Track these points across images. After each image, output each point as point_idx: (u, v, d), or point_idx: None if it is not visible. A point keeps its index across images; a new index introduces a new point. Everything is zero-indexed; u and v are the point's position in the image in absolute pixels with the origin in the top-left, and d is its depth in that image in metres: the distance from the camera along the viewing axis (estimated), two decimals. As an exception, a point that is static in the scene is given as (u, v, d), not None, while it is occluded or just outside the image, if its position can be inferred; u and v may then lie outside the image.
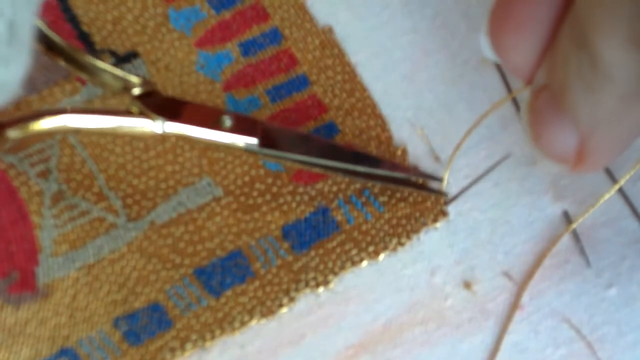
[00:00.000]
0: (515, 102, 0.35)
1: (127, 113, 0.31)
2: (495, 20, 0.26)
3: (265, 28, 0.37)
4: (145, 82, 0.32)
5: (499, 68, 0.36)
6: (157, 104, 0.31)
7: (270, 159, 0.33)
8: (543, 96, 0.25)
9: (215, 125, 0.31)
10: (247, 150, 0.32)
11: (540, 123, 0.26)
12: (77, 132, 0.31)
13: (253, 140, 0.32)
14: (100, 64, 0.32)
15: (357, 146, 0.35)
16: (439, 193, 0.34)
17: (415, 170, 0.34)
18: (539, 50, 0.25)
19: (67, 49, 0.31)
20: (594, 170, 0.26)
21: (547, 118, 0.25)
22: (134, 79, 0.32)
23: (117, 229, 0.33)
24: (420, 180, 0.34)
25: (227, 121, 0.32)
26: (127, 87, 0.32)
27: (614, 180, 0.34)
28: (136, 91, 0.32)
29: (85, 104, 0.35)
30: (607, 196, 0.33)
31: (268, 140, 0.32)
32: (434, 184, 0.34)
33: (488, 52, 0.27)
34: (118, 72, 0.32)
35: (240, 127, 0.32)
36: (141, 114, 0.31)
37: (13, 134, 0.30)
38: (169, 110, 0.31)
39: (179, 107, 0.32)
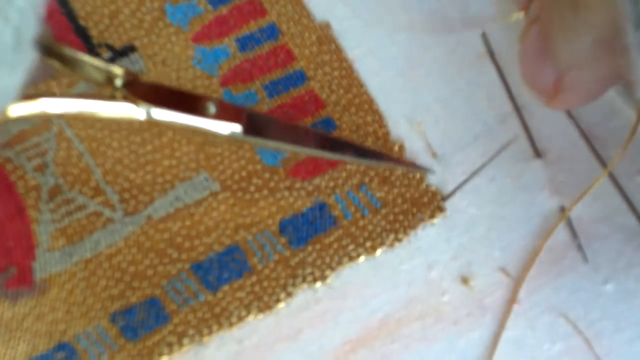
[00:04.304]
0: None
1: (111, 98, 0.31)
2: None
3: (262, 23, 0.37)
4: (128, 72, 0.31)
5: (496, 63, 0.36)
6: (141, 91, 0.31)
7: (258, 147, 0.33)
8: (533, 29, 0.27)
9: (200, 111, 0.31)
10: (231, 137, 0.32)
11: (527, 54, 0.28)
12: (58, 117, 0.30)
13: (237, 128, 0.32)
14: (81, 55, 0.31)
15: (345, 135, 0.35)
16: (423, 169, 0.34)
17: (403, 162, 0.34)
18: None
19: (48, 42, 0.31)
20: (566, 108, 0.28)
21: (533, 50, 0.27)
22: (117, 70, 0.31)
23: (114, 224, 0.33)
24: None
25: (212, 108, 0.31)
26: (110, 78, 0.31)
27: (612, 178, 0.34)
28: (119, 81, 0.31)
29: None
30: (599, 180, 0.33)
31: (253, 127, 0.32)
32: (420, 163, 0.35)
33: None
34: (100, 63, 0.31)
35: (225, 114, 0.32)
36: (125, 99, 0.31)
37: None
38: (153, 97, 0.31)
39: (164, 93, 0.32)
